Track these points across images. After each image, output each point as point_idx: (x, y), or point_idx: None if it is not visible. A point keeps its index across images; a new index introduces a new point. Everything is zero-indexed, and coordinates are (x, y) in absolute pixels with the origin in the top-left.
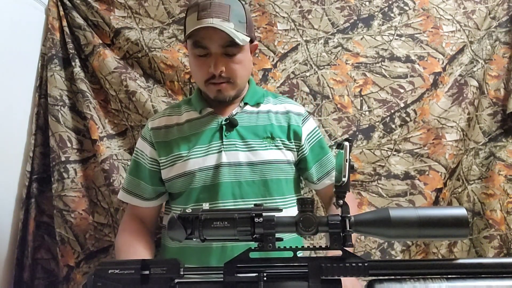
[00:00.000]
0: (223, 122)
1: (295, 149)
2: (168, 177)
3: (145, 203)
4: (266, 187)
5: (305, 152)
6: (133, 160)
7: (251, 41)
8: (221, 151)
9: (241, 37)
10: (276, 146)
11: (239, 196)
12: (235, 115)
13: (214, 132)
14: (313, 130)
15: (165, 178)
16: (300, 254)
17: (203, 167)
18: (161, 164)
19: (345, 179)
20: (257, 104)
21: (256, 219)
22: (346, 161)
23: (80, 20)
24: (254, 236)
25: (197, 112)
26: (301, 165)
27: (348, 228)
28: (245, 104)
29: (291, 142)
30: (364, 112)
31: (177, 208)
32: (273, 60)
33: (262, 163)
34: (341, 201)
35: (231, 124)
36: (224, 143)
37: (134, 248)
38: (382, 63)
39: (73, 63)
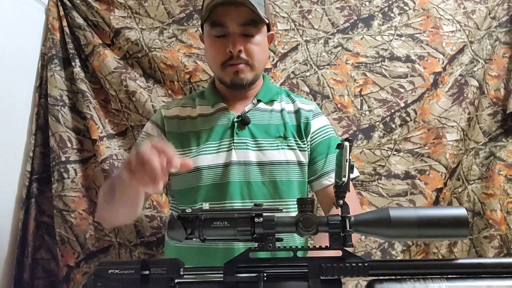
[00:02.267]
0: (235, 119)
1: (306, 149)
2: (176, 171)
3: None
4: (276, 189)
5: (309, 149)
6: (138, 144)
7: (268, 29)
8: (231, 149)
9: (262, 14)
10: (288, 146)
11: (247, 197)
12: (247, 112)
13: (225, 129)
14: (322, 127)
15: (172, 172)
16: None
17: (213, 165)
18: None
19: (345, 179)
20: (271, 102)
21: (256, 219)
22: (346, 161)
23: (80, 20)
24: (254, 236)
25: (209, 106)
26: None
27: (348, 228)
28: (258, 101)
29: (303, 142)
30: (364, 112)
31: (183, 207)
32: (273, 60)
33: (272, 164)
34: (341, 201)
35: (243, 121)
36: (235, 141)
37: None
38: (382, 63)
39: (73, 63)
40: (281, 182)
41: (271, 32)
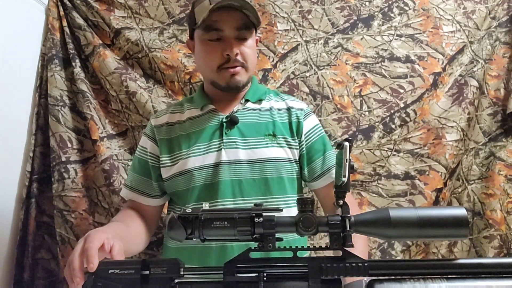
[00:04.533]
0: (224, 120)
1: (297, 147)
2: (169, 175)
3: (150, 201)
4: (267, 186)
5: (303, 149)
6: (135, 157)
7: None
8: (221, 149)
9: (254, 20)
10: (278, 143)
11: (239, 195)
12: (236, 112)
13: (214, 130)
14: (314, 126)
15: (166, 176)
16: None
17: (203, 165)
18: (161, 162)
19: (345, 179)
20: (259, 101)
21: (256, 219)
22: (346, 161)
23: (80, 21)
24: (254, 236)
25: (198, 109)
26: (300, 162)
27: (348, 228)
28: (246, 101)
29: (293, 139)
30: (364, 112)
31: (179, 207)
32: (273, 61)
33: (262, 161)
34: (341, 201)
35: (232, 121)
36: (224, 140)
37: (127, 226)
38: (382, 63)
39: (73, 63)
40: (272, 179)
41: (257, 36)
